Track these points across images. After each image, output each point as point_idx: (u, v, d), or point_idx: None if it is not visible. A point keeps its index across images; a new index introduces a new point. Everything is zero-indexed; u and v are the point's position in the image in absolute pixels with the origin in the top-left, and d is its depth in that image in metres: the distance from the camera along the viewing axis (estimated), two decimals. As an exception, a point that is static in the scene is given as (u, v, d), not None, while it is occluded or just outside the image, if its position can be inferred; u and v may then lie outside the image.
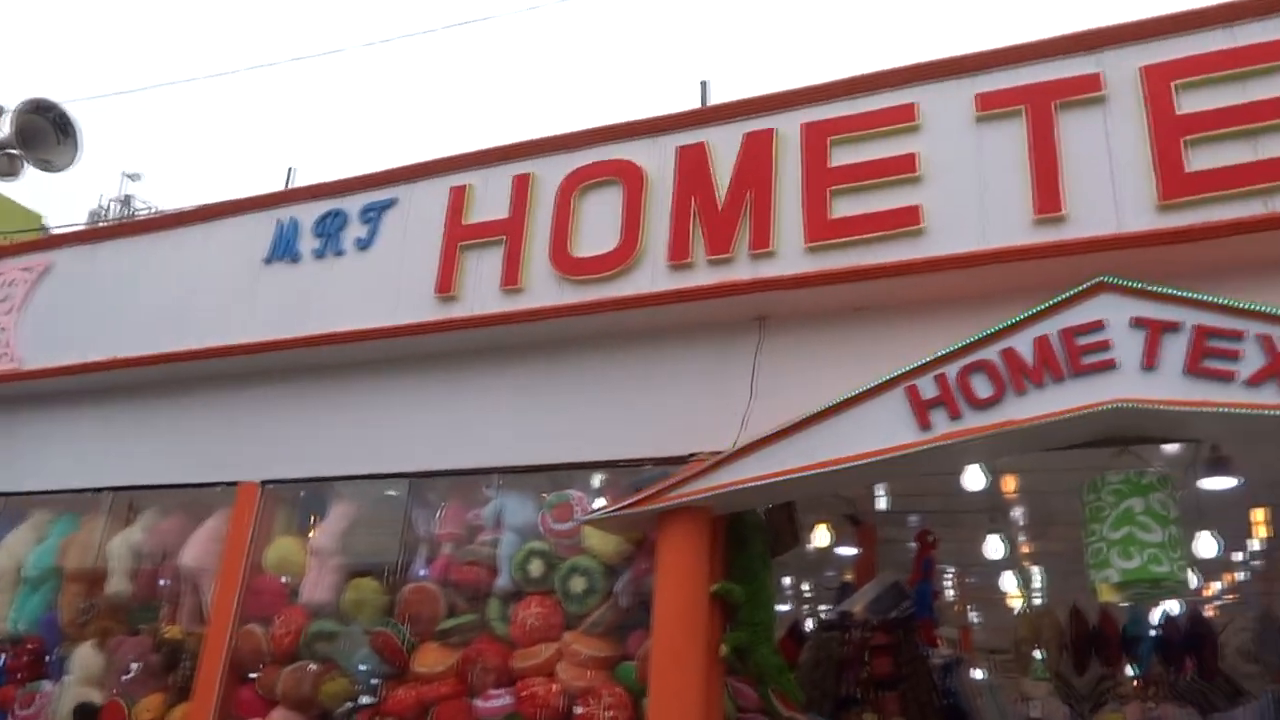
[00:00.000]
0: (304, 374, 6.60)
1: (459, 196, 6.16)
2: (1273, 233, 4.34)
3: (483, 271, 5.92)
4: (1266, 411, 4.04)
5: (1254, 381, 4.08)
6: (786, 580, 11.79)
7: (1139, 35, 4.83)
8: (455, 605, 5.81)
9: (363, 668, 5.96)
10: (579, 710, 5.23)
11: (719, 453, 4.95)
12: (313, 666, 5.99)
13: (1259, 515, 7.77)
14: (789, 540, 5.87)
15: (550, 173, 5.95)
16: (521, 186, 5.98)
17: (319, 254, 6.58)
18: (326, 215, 6.66)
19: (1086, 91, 4.81)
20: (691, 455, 5.19)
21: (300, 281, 6.57)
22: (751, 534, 5.39)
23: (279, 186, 7.36)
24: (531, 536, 5.77)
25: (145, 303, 7.17)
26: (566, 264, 5.68)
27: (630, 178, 5.68)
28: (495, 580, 5.74)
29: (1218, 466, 5.51)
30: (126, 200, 17.51)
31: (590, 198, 5.79)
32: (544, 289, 5.70)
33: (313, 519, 6.60)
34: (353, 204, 6.59)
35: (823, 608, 10.06)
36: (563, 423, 5.72)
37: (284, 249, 6.73)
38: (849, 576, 9.19)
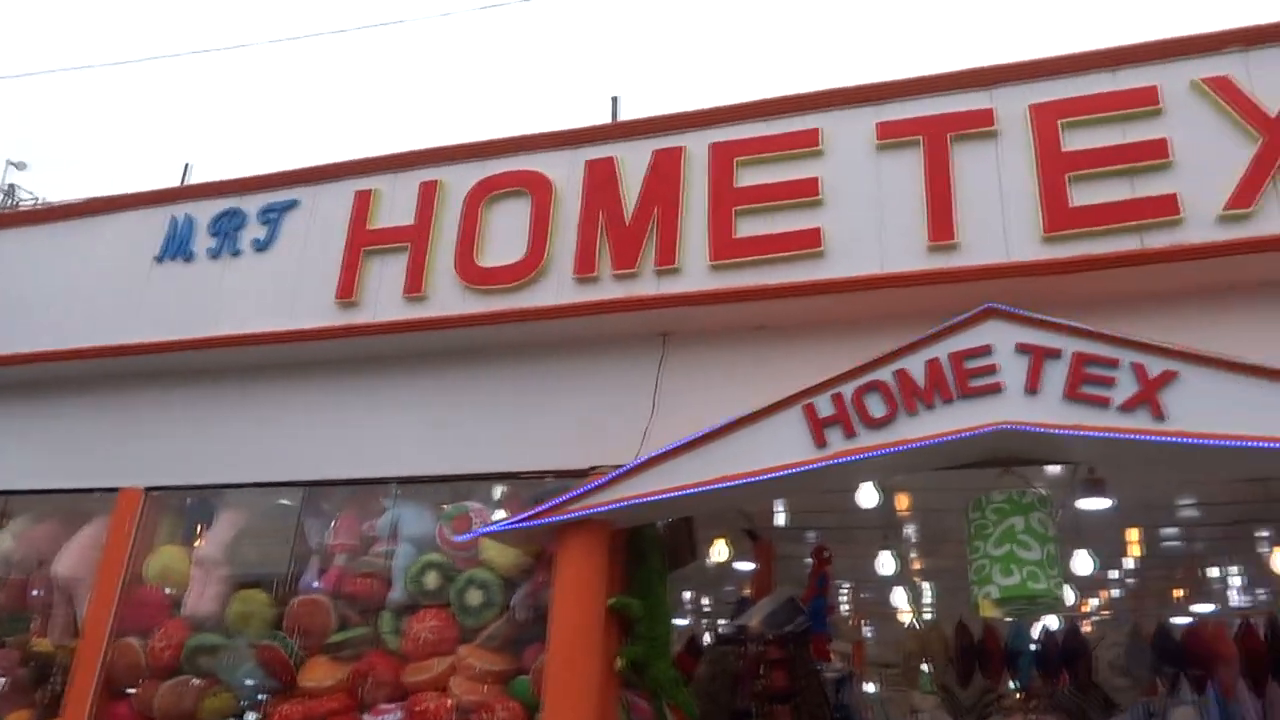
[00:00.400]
0: (195, 377, 6.38)
1: (364, 201, 6.05)
2: (1147, 267, 4.58)
3: (386, 278, 5.82)
4: (1137, 436, 4.27)
5: (1127, 407, 4.31)
6: (686, 595, 11.87)
7: (1029, 74, 5.07)
8: (347, 618, 5.68)
9: (248, 682, 5.76)
10: (477, 725, 5.18)
11: (620, 467, 4.97)
12: (195, 681, 5.77)
13: (1133, 535, 8.19)
14: (687, 555, 5.92)
15: (458, 180, 5.90)
16: (429, 193, 5.92)
17: (214, 254, 6.38)
18: (224, 214, 6.47)
19: (980, 126, 5.01)
20: (593, 469, 5.20)
21: (193, 281, 6.35)
22: (650, 548, 5.42)
23: (174, 182, 7.12)
24: (428, 548, 5.68)
25: (26, 298, 6.83)
26: (472, 273, 5.64)
27: (539, 189, 5.67)
28: (389, 592, 5.63)
29: (1094, 488, 5.78)
30: (10, 190, 16.68)
31: (498, 208, 5.76)
32: (448, 298, 5.65)
33: (199, 528, 6.36)
34: (252, 204, 6.41)
35: (720, 622, 10.15)
36: (464, 433, 5.66)
37: (177, 247, 6.50)
38: (747, 591, 9.31)
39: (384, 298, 5.78)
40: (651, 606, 5.19)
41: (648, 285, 5.27)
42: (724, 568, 9.24)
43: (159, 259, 6.52)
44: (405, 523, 5.82)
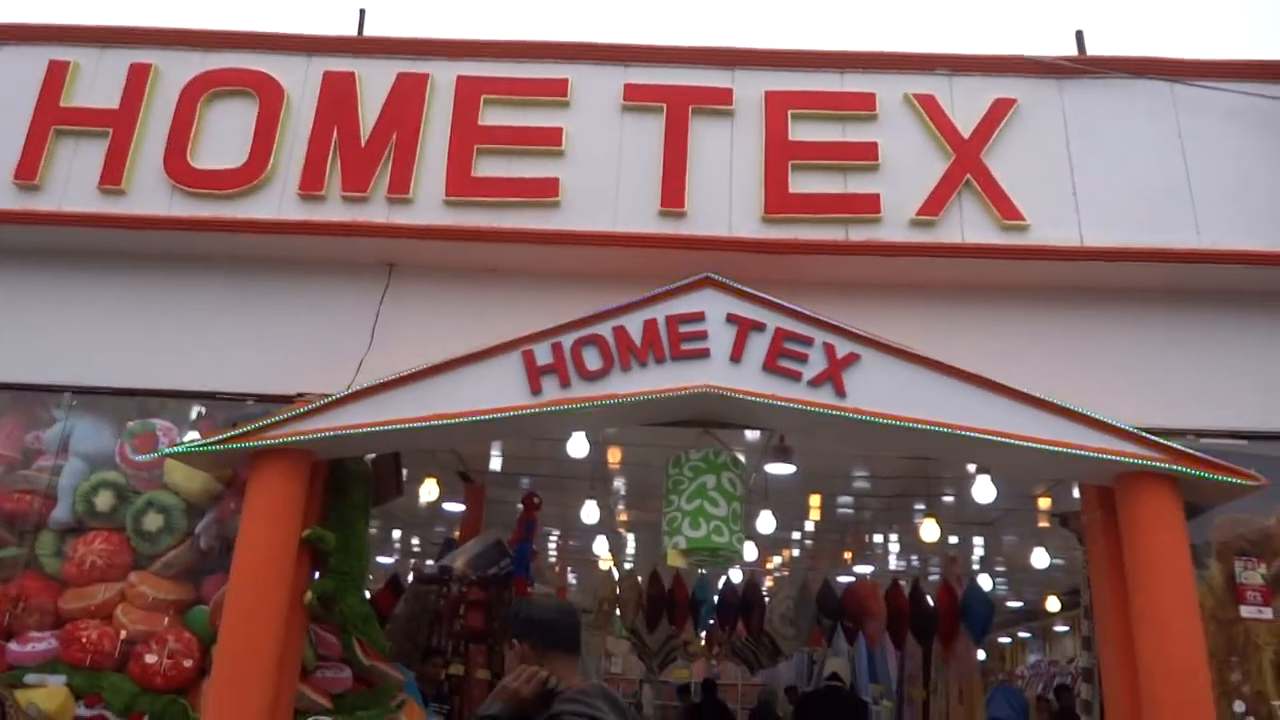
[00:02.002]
0: None
1: (59, 73, 5.37)
2: (848, 257, 5.01)
3: (79, 164, 5.22)
4: (820, 409, 4.68)
5: (815, 382, 4.70)
6: (395, 534, 11.73)
7: (770, 62, 5.35)
8: (-2, 537, 5.11)
9: None
10: (148, 658, 4.83)
11: (328, 396, 4.79)
12: None
13: (813, 501, 9.00)
14: (392, 490, 5.82)
15: (176, 69, 5.38)
16: (139, 77, 5.34)
17: None
18: (-122, 62, 5.51)
19: (719, 103, 5.24)
20: (299, 395, 4.97)
21: None
22: (353, 482, 5.27)
23: None
24: (104, 466, 5.21)
25: None
26: (183, 173, 5.18)
27: (268, 94, 5.29)
28: (52, 511, 5.12)
29: (782, 454, 6.28)
30: None
31: (220, 106, 5.32)
32: (153, 196, 5.15)
33: None
34: (-83, 55, 5.51)
35: (428, 562, 10.10)
36: (157, 345, 5.22)
37: None
38: (456, 533, 9.32)
39: (75, 186, 5.18)
40: (347, 540, 5.06)
41: (377, 212, 5.09)
42: (434, 509, 9.19)
43: None
44: (79, 437, 5.29)
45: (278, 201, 5.12)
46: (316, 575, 4.99)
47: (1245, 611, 4.76)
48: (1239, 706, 4.75)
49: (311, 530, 4.92)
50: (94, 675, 4.78)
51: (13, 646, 4.82)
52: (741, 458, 5.27)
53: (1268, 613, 4.76)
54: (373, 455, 5.58)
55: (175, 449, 4.91)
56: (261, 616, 4.56)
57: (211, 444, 4.80)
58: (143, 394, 5.31)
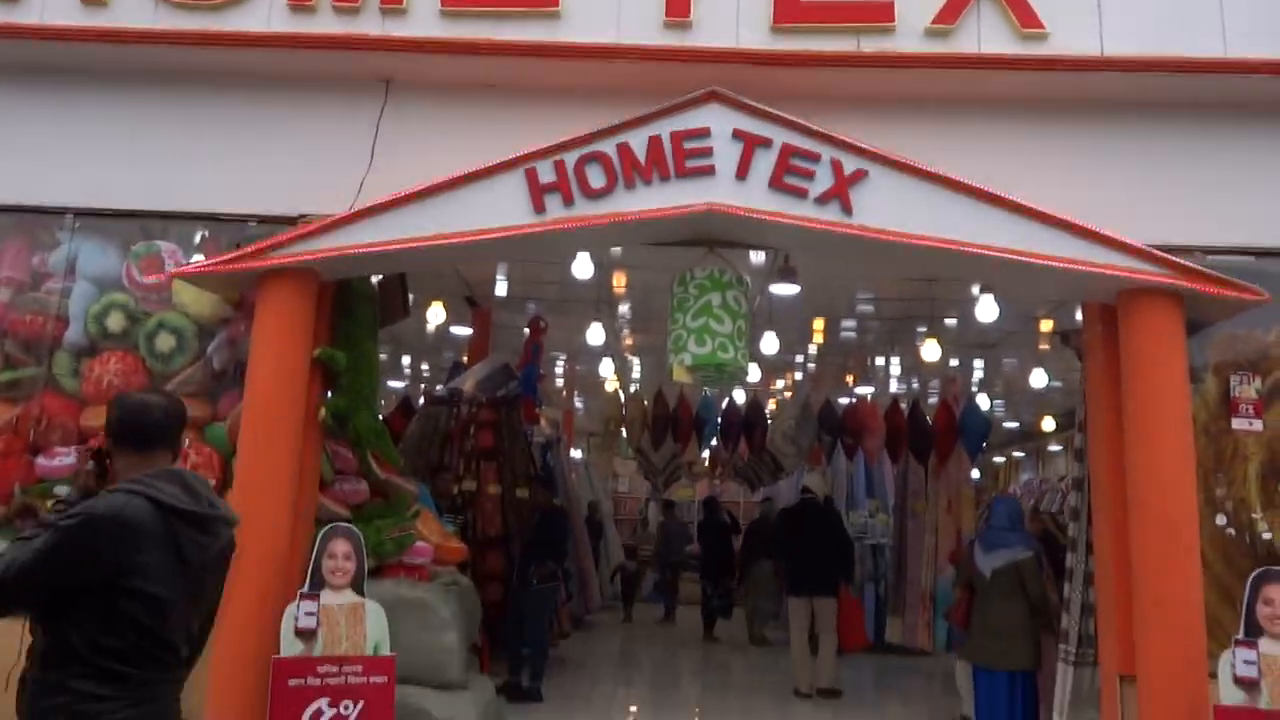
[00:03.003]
0: None
1: (28, -128, 5.05)
2: (859, 70, 4.84)
3: (59, -25, 4.98)
4: (826, 228, 4.65)
5: (822, 200, 4.65)
6: (406, 359, 11.95)
7: None
8: (13, 357, 5.20)
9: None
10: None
11: (331, 216, 4.76)
12: None
13: (818, 324, 9.08)
14: (398, 311, 5.87)
15: None
16: (113, -124, 5.02)
17: None
18: None
19: (728, -99, 4.92)
20: (301, 216, 4.94)
21: None
22: (359, 302, 5.33)
23: None
24: (112, 288, 5.25)
25: None
26: (166, -17, 4.95)
27: (251, -105, 4.98)
28: (65, 333, 5.20)
29: (787, 275, 6.29)
30: None
31: (201, -92, 5.02)
32: (136, 8, 4.95)
33: None
34: None
35: (437, 387, 10.32)
36: (156, 165, 5.14)
37: None
38: (465, 358, 9.49)
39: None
40: (357, 360, 5.16)
41: (371, 24, 4.89)
42: (441, 333, 9.32)
43: None
44: (85, 260, 5.31)
45: (266, 13, 4.92)
46: (329, 395, 5.11)
47: (1236, 424, 4.88)
48: (1220, 519, 4.95)
49: (322, 350, 5.00)
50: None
51: (40, 461, 5.00)
52: (746, 278, 5.28)
53: (1258, 425, 4.88)
54: (379, 277, 5.61)
55: (183, 270, 4.93)
56: (277, 432, 4.71)
57: (217, 265, 4.81)
58: (144, 216, 5.28)
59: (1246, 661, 4.15)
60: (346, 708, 4.26)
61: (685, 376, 5.10)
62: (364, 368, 5.22)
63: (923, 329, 8.04)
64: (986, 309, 6.46)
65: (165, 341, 5.20)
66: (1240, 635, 4.27)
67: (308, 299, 4.90)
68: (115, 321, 5.17)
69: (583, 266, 6.19)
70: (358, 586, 4.56)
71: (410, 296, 5.99)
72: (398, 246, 4.70)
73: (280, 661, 4.23)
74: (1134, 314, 4.62)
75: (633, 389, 11.43)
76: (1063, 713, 5.15)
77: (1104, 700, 4.85)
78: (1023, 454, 17.46)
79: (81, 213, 5.22)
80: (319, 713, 4.20)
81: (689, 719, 6.21)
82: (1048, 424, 12.68)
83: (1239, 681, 4.15)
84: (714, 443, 9.77)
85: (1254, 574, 4.33)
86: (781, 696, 7.40)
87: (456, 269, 7.46)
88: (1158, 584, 4.43)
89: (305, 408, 4.90)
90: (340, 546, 4.56)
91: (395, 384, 12.49)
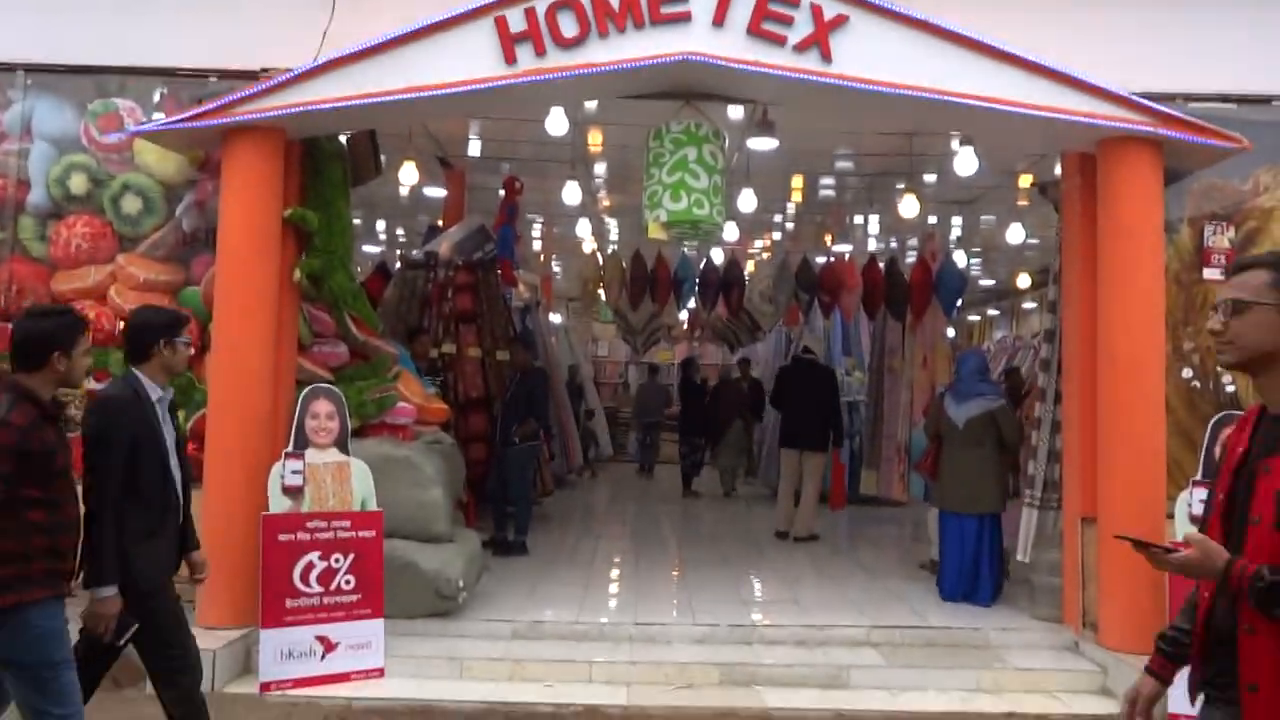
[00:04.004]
0: None
1: None
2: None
3: None
4: (806, 76, 4.53)
5: (801, 47, 4.52)
6: (381, 225, 11.78)
7: None
8: (-24, 222, 5.10)
9: None
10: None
11: (294, 70, 4.59)
12: None
13: (796, 182, 8.97)
14: (369, 170, 5.76)
15: None
16: None
17: None
18: None
19: None
20: (263, 70, 4.78)
21: None
22: (329, 161, 5.21)
23: None
24: (71, 149, 5.10)
25: None
26: None
27: None
28: (27, 196, 5.08)
29: (764, 128, 6.15)
30: None
31: None
32: None
33: None
34: None
35: (413, 251, 10.21)
36: (112, 17, 4.94)
37: None
38: (440, 221, 9.34)
39: None
40: (329, 220, 5.09)
41: None
42: (415, 196, 9.17)
43: None
44: (41, 119, 5.14)
45: None
46: (304, 256, 5.05)
47: (1208, 274, 4.93)
48: (1187, 372, 5.06)
49: (293, 210, 4.92)
50: (99, 352, 4.95)
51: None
52: (723, 132, 5.18)
53: (1229, 274, 4.93)
54: (347, 135, 5.47)
55: (141, 128, 4.78)
56: (252, 294, 4.67)
57: (179, 121, 4.67)
58: (99, 71, 5.10)
59: (1203, 501, 4.32)
60: (337, 560, 4.39)
61: (660, 234, 5.06)
62: (337, 228, 5.15)
63: (901, 186, 7.96)
64: (966, 162, 6.39)
65: (131, 204, 5.09)
66: (1198, 476, 4.44)
67: (275, 158, 4.78)
68: (78, 184, 5.05)
69: (557, 122, 6.03)
70: (342, 446, 4.63)
71: (381, 155, 5.86)
72: (365, 101, 4.56)
73: (269, 518, 4.33)
74: (1113, 163, 4.60)
75: (611, 251, 11.35)
76: (1026, 553, 5.39)
77: (1066, 540, 5.07)
78: (997, 312, 17.65)
79: (33, 69, 5.03)
80: (310, 565, 4.33)
81: (670, 566, 6.45)
82: (1023, 281, 12.75)
83: (1194, 520, 4.34)
84: (692, 303, 9.78)
85: (1214, 418, 4.47)
86: (757, 544, 7.69)
87: (427, 127, 7.26)
88: (1123, 428, 4.57)
89: (279, 269, 4.85)
90: (322, 407, 4.60)
91: (371, 249, 12.35)
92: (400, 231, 12.03)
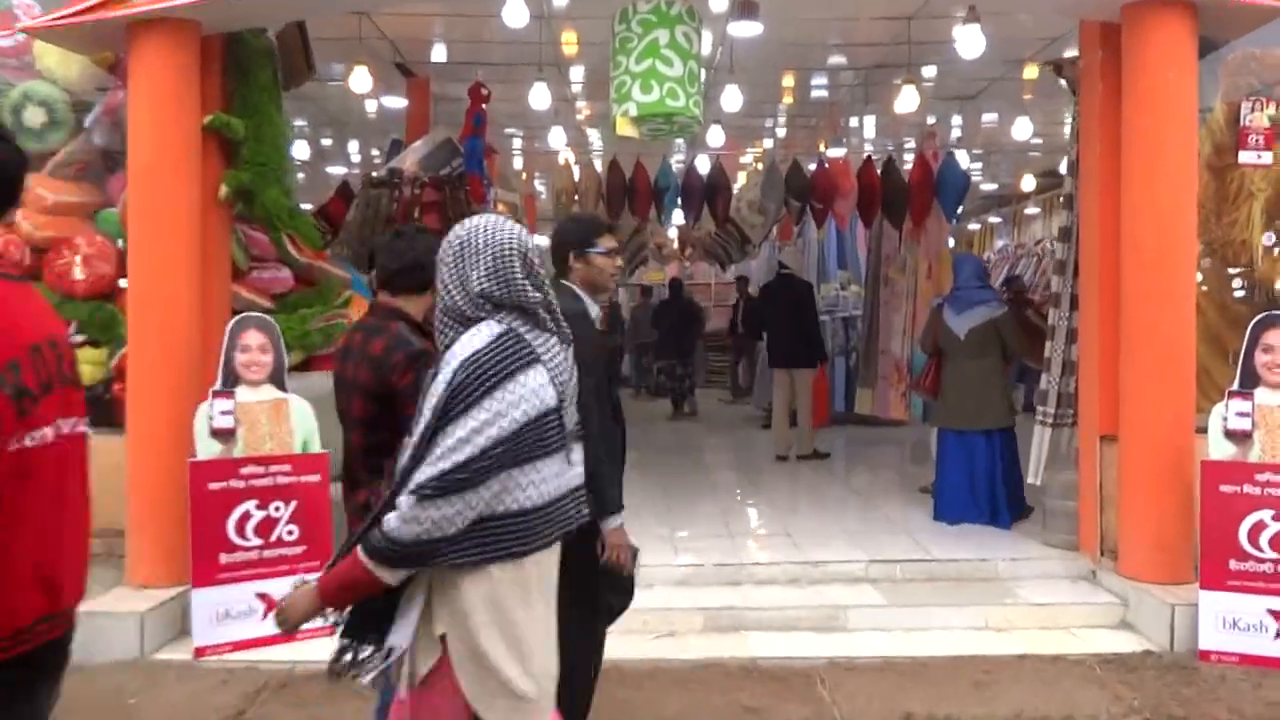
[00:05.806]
0: None
1: None
2: None
3: None
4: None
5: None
6: (353, 146, 11.18)
7: None
8: None
9: None
10: (60, 264, 4.51)
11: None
12: None
13: (788, 81, 8.31)
14: (302, 70, 5.17)
15: None
16: None
17: None
18: None
19: None
20: (168, -47, 4.15)
21: None
22: (256, 61, 4.63)
23: None
24: (-40, 55, 4.52)
25: None
26: None
27: None
28: (-85, 110, 4.51)
29: (747, 11, 5.51)
30: None
31: None
32: None
33: None
34: None
35: (376, 170, 9.61)
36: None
37: None
38: (403, 135, 8.72)
39: None
40: (259, 127, 4.54)
41: None
42: (376, 106, 8.55)
43: None
44: (-76, 22, 4.54)
45: None
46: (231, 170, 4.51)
47: (1244, 157, 4.40)
48: (1205, 263, 4.58)
49: (214, 116, 4.37)
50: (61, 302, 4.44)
51: (-88, 258, 4.45)
52: (696, 11, 4.57)
53: (1267, 158, 4.40)
54: (276, 30, 4.87)
55: (35, 23, 4.19)
56: (168, 211, 4.15)
57: (74, 14, 4.07)
58: (-12, -34, 4.47)
59: (1240, 414, 3.88)
60: (277, 509, 3.94)
61: (631, 130, 4.51)
62: (268, 136, 4.59)
63: (898, 81, 7.34)
64: (971, 41, 5.72)
65: (34, 115, 4.54)
66: (1234, 386, 3.97)
67: (189, 55, 4.20)
68: (-31, 94, 4.48)
69: (515, 11, 5.38)
70: (278, 381, 4.14)
71: (313, 52, 5.26)
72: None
73: (197, 465, 3.86)
74: (1140, 30, 4.02)
75: (588, 161, 10.71)
76: (1038, 475, 4.96)
77: (1082, 460, 4.64)
78: (999, 220, 17.01)
79: (-94, -38, 4.39)
80: (247, 515, 3.88)
81: (651, 496, 6.06)
82: (1027, 183, 12.14)
83: (1230, 435, 3.90)
84: (678, 218, 9.20)
85: (1255, 319, 3.98)
86: (752, 469, 7.34)
87: (380, 28, 6.62)
88: (1149, 331, 4.09)
89: (202, 186, 4.32)
90: (254, 339, 4.10)
91: (334, 169, 11.73)
92: (375, 152, 11.40)
